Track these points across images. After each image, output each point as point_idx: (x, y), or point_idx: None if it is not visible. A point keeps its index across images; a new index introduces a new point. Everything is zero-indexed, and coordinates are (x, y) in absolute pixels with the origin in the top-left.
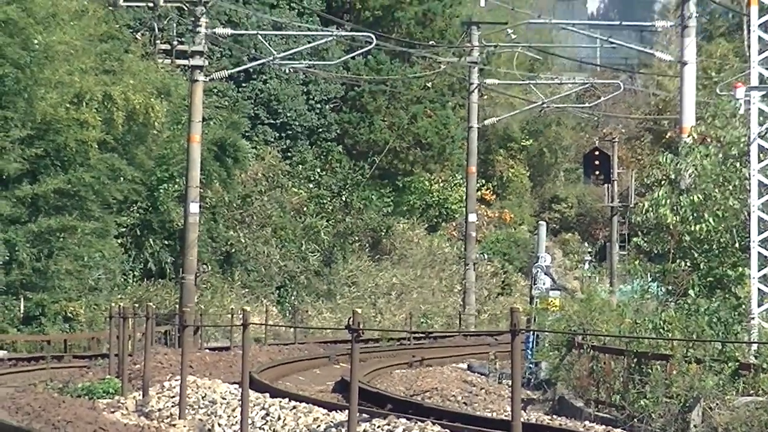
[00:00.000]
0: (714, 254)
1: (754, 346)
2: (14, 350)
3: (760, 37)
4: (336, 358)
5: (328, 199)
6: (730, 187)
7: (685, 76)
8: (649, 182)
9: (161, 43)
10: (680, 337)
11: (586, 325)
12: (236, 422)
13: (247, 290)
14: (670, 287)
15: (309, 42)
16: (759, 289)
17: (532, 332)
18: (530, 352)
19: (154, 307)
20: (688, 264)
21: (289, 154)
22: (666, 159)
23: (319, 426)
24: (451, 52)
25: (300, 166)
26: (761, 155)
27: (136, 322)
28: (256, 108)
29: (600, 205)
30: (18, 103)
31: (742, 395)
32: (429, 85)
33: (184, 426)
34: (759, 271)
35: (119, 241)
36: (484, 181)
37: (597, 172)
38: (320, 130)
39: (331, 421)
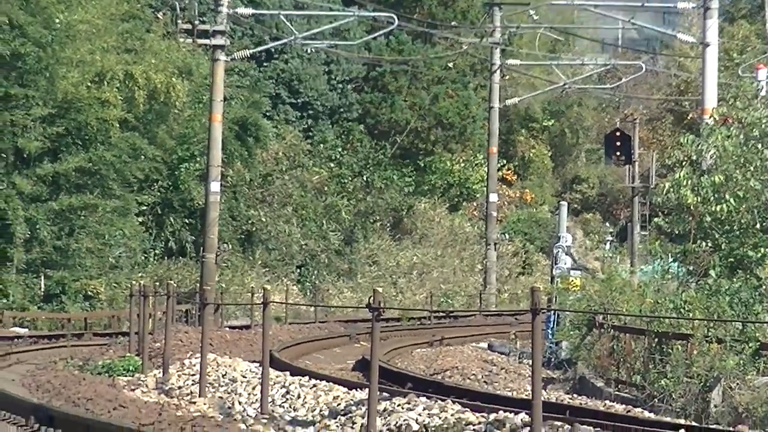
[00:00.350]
0: (735, 235)
1: None
2: (35, 328)
3: None
4: (356, 336)
5: (350, 178)
6: (751, 168)
7: (707, 58)
8: (670, 163)
9: (183, 22)
10: (701, 317)
11: (606, 304)
12: (256, 400)
13: (267, 269)
14: (690, 267)
15: (331, 22)
16: None
17: (552, 312)
18: (551, 332)
19: (174, 285)
20: (709, 244)
21: (310, 133)
22: (687, 140)
23: (339, 404)
24: (472, 33)
25: (321, 145)
26: None
27: (156, 301)
28: (277, 87)
29: (621, 185)
30: (39, 82)
31: (762, 375)
32: (450, 65)
33: (205, 404)
34: None
35: (140, 219)
36: (505, 161)
37: (618, 153)
38: (341, 109)
39: (351, 400)
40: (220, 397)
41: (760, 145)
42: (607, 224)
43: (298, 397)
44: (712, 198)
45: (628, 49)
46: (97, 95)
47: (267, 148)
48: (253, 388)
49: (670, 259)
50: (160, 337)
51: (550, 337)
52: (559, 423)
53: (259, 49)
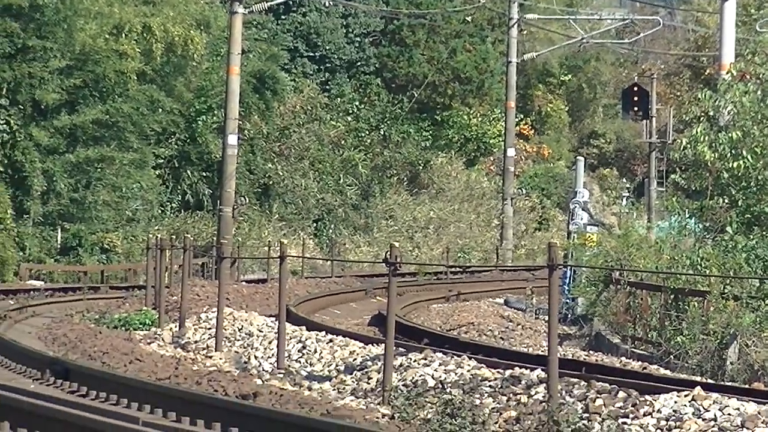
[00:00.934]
0: (752, 191)
1: None
2: (51, 281)
3: None
4: (372, 291)
5: (367, 132)
6: None
7: (724, 13)
8: (687, 119)
9: None
10: (717, 273)
11: (623, 261)
12: (272, 355)
13: (284, 223)
14: (707, 224)
15: None
16: None
17: (569, 267)
18: (567, 288)
19: (191, 238)
20: (726, 201)
21: (327, 87)
22: (705, 96)
23: (355, 359)
24: None
25: (338, 99)
26: None
27: (173, 254)
28: (295, 41)
29: (638, 141)
30: (57, 34)
31: None
32: (469, 19)
33: (221, 358)
34: None
35: (157, 172)
36: (522, 116)
37: (635, 108)
38: (359, 63)
39: (368, 355)
40: (237, 352)
41: None
42: (624, 180)
43: (315, 352)
44: (729, 154)
45: (646, 4)
46: (114, 47)
47: (284, 102)
48: (270, 343)
49: (687, 216)
50: (177, 291)
51: (566, 293)
52: (575, 380)
53: (277, 1)
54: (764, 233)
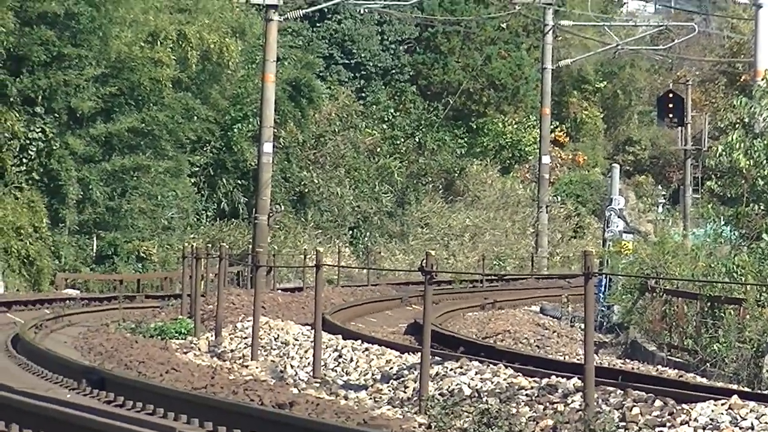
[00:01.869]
0: None
1: None
2: (87, 290)
3: None
4: (408, 299)
5: (402, 139)
6: None
7: (760, 19)
8: (722, 126)
9: None
10: (753, 281)
11: (659, 268)
12: (309, 364)
13: (320, 231)
14: (743, 231)
15: None
16: None
17: (604, 275)
18: (602, 296)
19: (227, 247)
20: (762, 208)
21: (362, 94)
22: (740, 102)
23: (391, 368)
24: None
25: (374, 106)
26: None
27: (208, 263)
28: (330, 48)
29: (673, 148)
30: (93, 42)
31: None
32: (503, 26)
33: (257, 367)
34: None
35: (192, 180)
36: (557, 122)
37: (671, 115)
38: (394, 70)
39: (404, 364)
40: (273, 361)
41: None
42: (660, 187)
43: (351, 360)
44: (764, 161)
45: (681, 11)
46: (150, 55)
47: (320, 109)
48: (306, 352)
49: (723, 223)
50: (213, 300)
51: (601, 300)
52: (611, 388)
53: (312, 9)
54: None
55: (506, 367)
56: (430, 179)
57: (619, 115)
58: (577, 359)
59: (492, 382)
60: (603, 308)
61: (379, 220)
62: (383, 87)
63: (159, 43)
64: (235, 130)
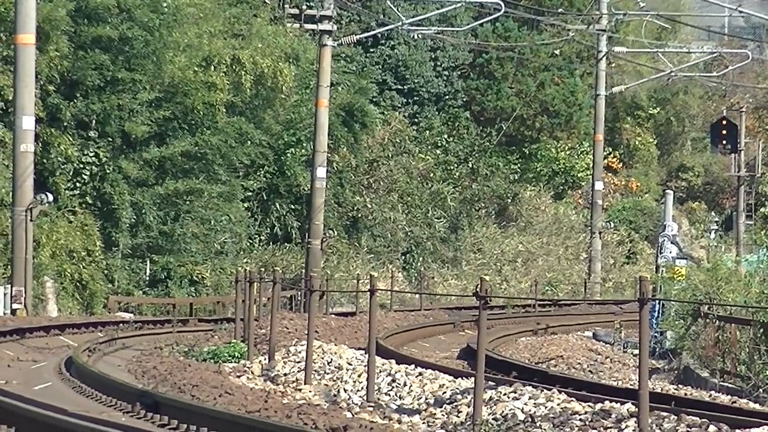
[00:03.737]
0: None
1: None
2: (140, 313)
3: None
4: (461, 324)
5: (455, 165)
6: None
7: None
8: None
9: (290, 7)
10: None
11: (712, 294)
12: (362, 388)
13: (372, 255)
14: None
15: (438, 8)
16: None
17: (657, 301)
18: (655, 321)
19: (280, 271)
20: None
21: (416, 119)
22: None
23: (444, 393)
24: (579, 20)
25: (427, 131)
26: None
27: (261, 287)
28: (383, 73)
29: (727, 174)
30: (147, 66)
31: None
32: (557, 52)
33: (310, 391)
34: None
35: (245, 204)
36: (611, 149)
37: (724, 142)
38: (447, 96)
39: (457, 388)
40: (326, 385)
41: None
42: (713, 213)
43: (404, 384)
44: None
45: (734, 37)
46: (204, 79)
47: (373, 134)
48: (359, 376)
49: None
50: (266, 324)
51: (654, 326)
52: (665, 413)
53: (366, 35)
54: None
55: (560, 392)
56: (483, 204)
57: (672, 141)
58: (631, 384)
59: (545, 407)
60: (656, 334)
61: (432, 245)
62: (436, 112)
63: (213, 67)
64: (289, 154)
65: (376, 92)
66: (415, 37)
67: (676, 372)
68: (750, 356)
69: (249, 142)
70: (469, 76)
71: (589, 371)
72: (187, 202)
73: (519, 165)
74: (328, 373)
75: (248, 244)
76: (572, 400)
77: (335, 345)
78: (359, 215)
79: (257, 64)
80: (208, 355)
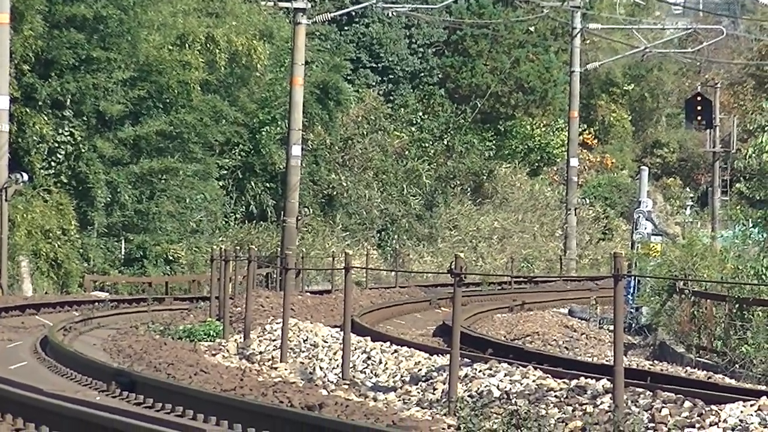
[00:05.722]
0: None
1: None
2: (115, 292)
3: None
4: (437, 302)
5: (430, 142)
6: None
7: None
8: (751, 128)
9: None
10: None
11: (687, 270)
12: (338, 365)
13: (348, 233)
14: None
15: None
16: None
17: (633, 277)
18: (631, 298)
19: (255, 249)
20: None
21: (391, 97)
22: None
23: (420, 370)
24: None
25: (402, 109)
26: None
27: (237, 265)
28: (358, 51)
29: (702, 150)
30: (121, 45)
31: None
32: (531, 29)
33: (286, 369)
34: None
35: (221, 183)
36: (585, 125)
37: (699, 118)
38: (422, 74)
39: (433, 365)
40: (302, 363)
41: None
42: (688, 189)
43: (380, 362)
44: None
45: (709, 13)
46: (178, 58)
47: (348, 112)
48: (335, 354)
49: (751, 225)
50: (241, 302)
51: (630, 302)
52: (640, 389)
53: (340, 12)
54: None
55: (535, 368)
56: (458, 182)
57: (647, 117)
58: (606, 361)
59: (521, 384)
60: (631, 310)
61: (407, 222)
62: (411, 90)
63: (187, 46)
64: (264, 133)
65: (350, 70)
66: (390, 14)
67: (651, 348)
68: (725, 332)
69: (224, 121)
70: (443, 53)
71: (565, 348)
72: (162, 181)
73: (494, 142)
74: (303, 351)
75: (223, 222)
76: (548, 377)
77: (311, 323)
78: (334, 193)
79: (231, 43)
80: (184, 333)
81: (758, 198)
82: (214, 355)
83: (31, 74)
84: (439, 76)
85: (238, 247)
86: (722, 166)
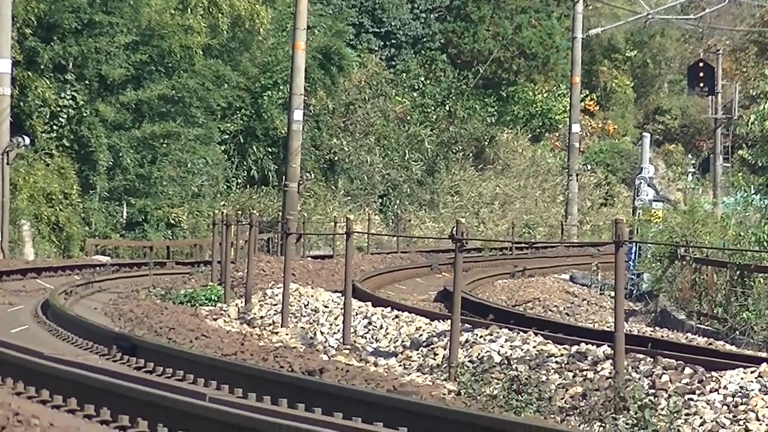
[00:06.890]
0: None
1: None
2: (117, 256)
3: None
4: (438, 267)
5: (432, 108)
6: None
7: None
8: (754, 94)
9: None
10: None
11: (688, 236)
12: (338, 330)
13: (349, 198)
14: None
15: None
16: None
17: (634, 244)
18: (632, 264)
19: (257, 214)
20: None
21: (393, 62)
22: None
23: (421, 335)
24: None
25: (404, 74)
26: None
27: (238, 230)
28: (360, 16)
29: (704, 116)
30: (123, 9)
31: None
32: None
33: (287, 334)
34: None
35: (222, 147)
36: (587, 91)
37: (701, 84)
38: (424, 39)
39: (434, 331)
40: (302, 328)
41: None
42: (690, 156)
43: (381, 327)
44: None
45: None
46: (180, 22)
47: (350, 77)
48: (336, 319)
49: (753, 191)
50: (242, 267)
51: (631, 269)
52: (641, 356)
53: None
54: None
55: (536, 334)
56: (460, 147)
57: (649, 84)
58: (607, 327)
59: (522, 350)
60: (633, 276)
61: (408, 188)
62: (413, 55)
63: (189, 10)
64: (266, 97)
65: (352, 35)
66: None
67: (652, 314)
68: (726, 298)
69: (226, 85)
70: (446, 18)
71: (566, 314)
72: (164, 145)
73: (496, 108)
74: (304, 316)
75: (225, 187)
76: (548, 343)
77: (312, 288)
78: (336, 158)
79: (234, 7)
80: (185, 298)
81: (760, 164)
82: (215, 319)
83: (33, 38)
84: (442, 41)
85: (240, 212)
86: (724, 133)
